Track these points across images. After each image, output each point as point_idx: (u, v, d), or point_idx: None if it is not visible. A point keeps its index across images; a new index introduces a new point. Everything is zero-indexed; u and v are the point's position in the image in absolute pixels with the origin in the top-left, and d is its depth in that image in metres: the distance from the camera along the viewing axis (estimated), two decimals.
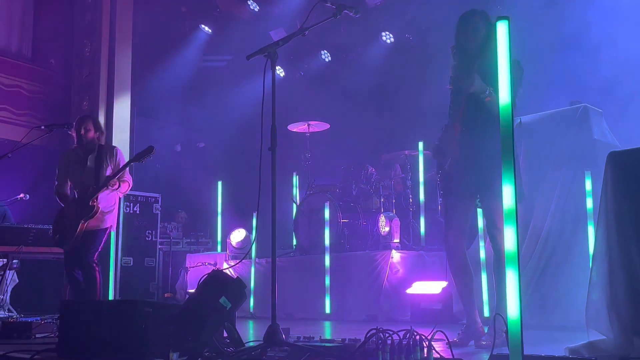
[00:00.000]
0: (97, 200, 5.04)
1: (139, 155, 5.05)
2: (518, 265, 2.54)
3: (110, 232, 5.34)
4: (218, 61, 11.38)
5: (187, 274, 8.02)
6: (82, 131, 5.29)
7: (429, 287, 5.68)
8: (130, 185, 5.34)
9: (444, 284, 5.55)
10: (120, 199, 5.59)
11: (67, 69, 10.16)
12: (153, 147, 4.98)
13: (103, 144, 5.41)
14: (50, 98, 10.01)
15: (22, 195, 7.43)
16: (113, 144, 5.57)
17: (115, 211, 5.37)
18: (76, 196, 5.23)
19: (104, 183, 5.06)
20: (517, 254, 2.54)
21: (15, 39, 9.86)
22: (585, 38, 6.44)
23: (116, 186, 5.13)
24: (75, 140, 5.32)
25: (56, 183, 5.33)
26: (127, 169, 5.21)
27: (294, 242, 7.84)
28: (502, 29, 2.76)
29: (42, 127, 5.68)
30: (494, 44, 2.66)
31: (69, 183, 5.32)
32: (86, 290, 5.08)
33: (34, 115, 9.66)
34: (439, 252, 6.36)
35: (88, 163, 5.25)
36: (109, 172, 5.20)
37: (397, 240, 6.76)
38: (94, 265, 5.13)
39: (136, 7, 10.04)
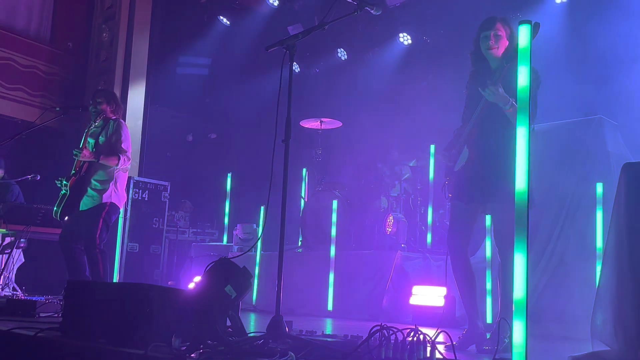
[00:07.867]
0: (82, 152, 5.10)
1: None
2: (527, 274, 2.54)
3: (110, 212, 5.23)
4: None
5: (192, 263, 8.04)
6: (95, 103, 5.37)
7: (430, 296, 5.63)
8: (121, 162, 5.20)
9: (443, 290, 5.48)
10: (127, 181, 5.51)
11: (85, 53, 10.21)
12: None
13: (114, 117, 5.40)
14: (65, 81, 10.06)
15: (32, 175, 7.45)
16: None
17: (113, 190, 5.25)
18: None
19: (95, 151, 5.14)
20: (526, 263, 2.54)
21: (35, 21, 9.91)
22: (603, 48, 6.39)
23: (87, 156, 5.09)
24: (91, 115, 5.40)
25: None
26: (127, 145, 5.23)
27: (300, 238, 7.84)
28: (523, 34, 2.76)
29: (57, 109, 5.71)
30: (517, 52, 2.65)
31: None
32: (91, 277, 5.10)
33: (49, 97, 9.71)
34: (444, 255, 6.32)
35: (90, 134, 5.31)
36: (106, 144, 5.22)
37: (403, 241, 6.74)
38: (97, 252, 5.10)
39: None
